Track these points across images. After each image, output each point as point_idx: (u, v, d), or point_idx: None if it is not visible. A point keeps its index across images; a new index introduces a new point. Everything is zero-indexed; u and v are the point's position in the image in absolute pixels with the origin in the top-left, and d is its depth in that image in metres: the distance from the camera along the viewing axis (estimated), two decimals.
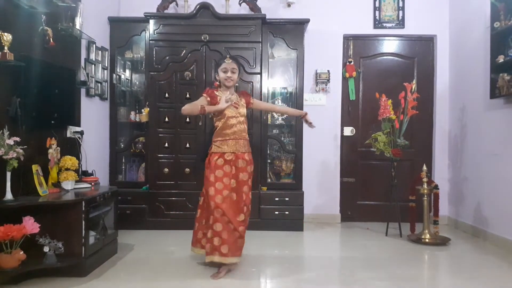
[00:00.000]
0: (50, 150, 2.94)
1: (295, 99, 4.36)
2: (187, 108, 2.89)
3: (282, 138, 4.45)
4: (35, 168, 2.80)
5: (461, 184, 4.36)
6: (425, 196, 3.84)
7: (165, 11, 4.35)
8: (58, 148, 3.03)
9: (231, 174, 2.89)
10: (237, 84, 3.31)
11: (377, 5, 4.67)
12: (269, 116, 4.37)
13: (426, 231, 3.79)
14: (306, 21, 4.28)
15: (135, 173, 4.44)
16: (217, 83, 3.05)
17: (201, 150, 3.68)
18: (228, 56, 3.06)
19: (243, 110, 3.03)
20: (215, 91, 3.00)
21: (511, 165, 3.53)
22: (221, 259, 2.78)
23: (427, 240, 3.76)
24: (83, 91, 3.68)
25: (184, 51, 4.18)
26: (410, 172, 4.54)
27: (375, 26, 4.68)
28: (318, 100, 4.66)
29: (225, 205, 2.81)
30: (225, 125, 2.93)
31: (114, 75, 4.28)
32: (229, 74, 2.97)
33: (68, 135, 3.32)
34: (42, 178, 2.85)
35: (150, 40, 4.18)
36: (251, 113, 4.06)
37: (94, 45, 3.85)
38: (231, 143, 2.92)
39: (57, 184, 3.02)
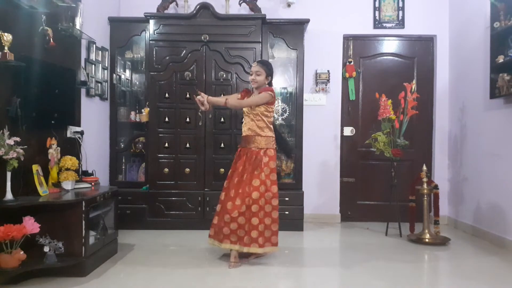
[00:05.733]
0: (50, 150, 2.95)
1: (295, 99, 4.36)
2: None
3: None
4: (35, 168, 2.80)
5: (461, 184, 4.36)
6: (425, 196, 3.84)
7: (165, 11, 4.36)
8: (58, 148, 3.03)
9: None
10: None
11: (377, 5, 4.67)
12: None
13: (426, 231, 3.79)
14: (306, 21, 4.28)
15: (135, 173, 4.44)
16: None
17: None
18: (256, 61, 3.36)
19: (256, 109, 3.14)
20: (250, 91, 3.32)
21: (511, 165, 3.53)
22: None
23: (427, 240, 3.76)
24: (83, 91, 3.68)
25: (184, 51, 4.18)
26: (410, 172, 4.54)
27: (375, 26, 4.69)
28: (318, 100, 4.66)
29: None
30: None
31: (114, 75, 4.28)
32: (253, 76, 3.18)
33: (68, 135, 3.32)
34: (42, 178, 2.85)
35: (150, 40, 4.18)
36: None
37: (94, 45, 3.85)
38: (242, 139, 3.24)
39: (57, 184, 3.02)
